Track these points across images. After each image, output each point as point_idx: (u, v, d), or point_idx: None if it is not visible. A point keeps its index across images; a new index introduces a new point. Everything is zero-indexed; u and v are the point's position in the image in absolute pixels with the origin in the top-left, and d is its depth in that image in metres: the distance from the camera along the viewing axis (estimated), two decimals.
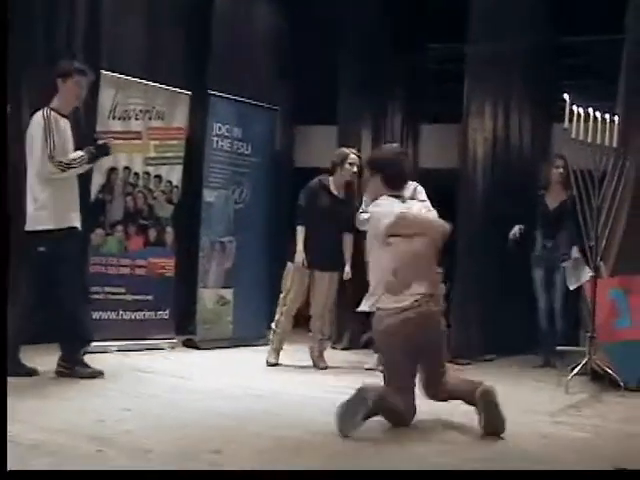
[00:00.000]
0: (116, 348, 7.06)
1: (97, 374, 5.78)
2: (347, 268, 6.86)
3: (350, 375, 6.47)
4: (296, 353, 7.10)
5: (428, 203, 6.78)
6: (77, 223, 5.85)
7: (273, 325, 7.04)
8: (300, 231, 6.78)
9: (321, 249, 6.72)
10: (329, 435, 4.39)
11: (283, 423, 4.66)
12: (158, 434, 4.25)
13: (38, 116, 5.70)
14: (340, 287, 7.04)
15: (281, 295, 6.98)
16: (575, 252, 6.98)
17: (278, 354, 6.95)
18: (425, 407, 4.79)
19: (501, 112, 8.00)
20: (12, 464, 3.28)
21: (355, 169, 6.85)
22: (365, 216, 6.78)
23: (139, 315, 7.42)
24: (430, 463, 3.93)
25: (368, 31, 8.65)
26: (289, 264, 6.87)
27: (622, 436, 4.72)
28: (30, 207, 5.72)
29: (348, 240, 6.90)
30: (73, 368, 5.73)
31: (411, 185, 6.84)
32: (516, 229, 7.27)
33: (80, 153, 5.76)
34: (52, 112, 5.68)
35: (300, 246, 6.74)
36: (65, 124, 5.75)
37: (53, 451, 3.78)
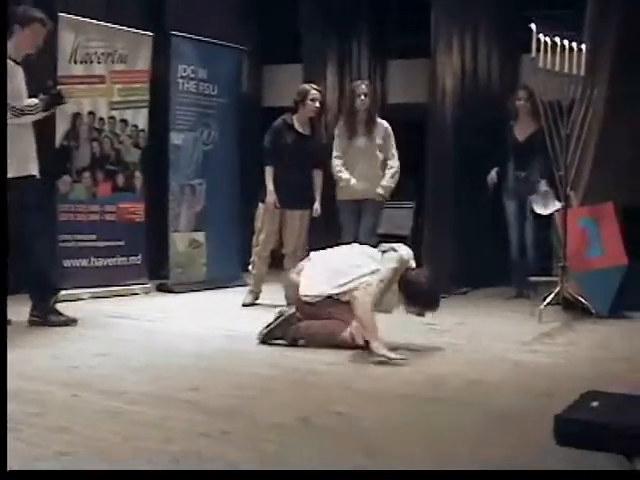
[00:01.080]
0: (89, 295, 7.02)
1: (70, 322, 5.73)
2: (316, 205, 6.85)
3: None
4: (272, 293, 7.10)
5: (394, 150, 6.79)
6: (35, 171, 5.72)
7: (250, 267, 7.04)
8: (268, 171, 6.73)
9: (290, 187, 6.69)
10: (301, 371, 4.43)
11: (257, 361, 4.68)
12: (134, 376, 4.25)
13: None
14: (312, 225, 7.03)
15: (254, 236, 6.97)
16: (544, 185, 6.98)
17: (256, 296, 6.94)
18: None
19: (469, 44, 7.94)
20: None
21: (317, 104, 6.81)
22: (339, 162, 6.78)
23: (111, 261, 7.38)
24: (398, 394, 3.98)
25: None
26: (260, 205, 6.83)
27: (592, 361, 4.79)
28: None
29: (317, 176, 6.88)
30: (45, 317, 5.68)
31: (381, 125, 6.84)
32: (493, 173, 7.26)
33: (35, 100, 5.63)
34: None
35: (270, 186, 6.70)
36: (17, 70, 5.58)
37: (31, 399, 3.76)
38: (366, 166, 6.77)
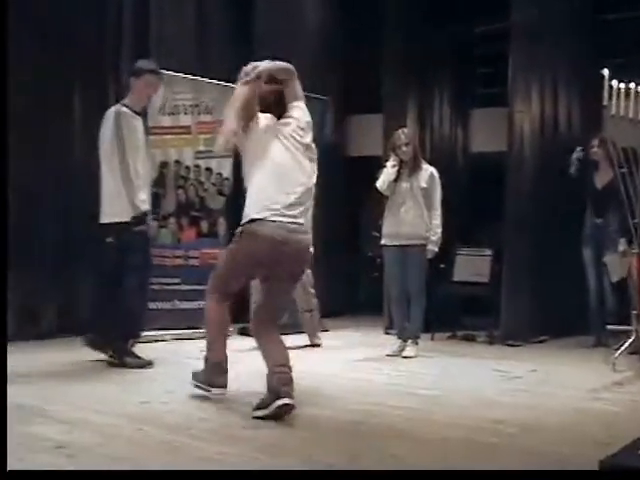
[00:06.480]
0: (171, 337, 7.26)
1: (146, 364, 5.80)
2: None
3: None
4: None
5: (439, 197, 6.73)
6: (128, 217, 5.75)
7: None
8: None
9: None
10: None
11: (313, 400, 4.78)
12: (200, 413, 4.39)
13: (110, 112, 5.80)
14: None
15: None
16: (622, 244, 6.88)
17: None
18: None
19: (548, 92, 7.94)
20: (59, 439, 3.60)
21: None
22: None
23: (194, 304, 7.56)
24: (452, 437, 4.01)
25: (412, 15, 8.72)
26: None
27: None
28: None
29: None
30: (122, 358, 5.77)
31: (426, 170, 6.77)
32: (578, 152, 7.16)
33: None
34: (123, 108, 5.77)
35: None
36: (137, 121, 5.81)
37: (96, 430, 3.95)
38: (410, 210, 6.67)
